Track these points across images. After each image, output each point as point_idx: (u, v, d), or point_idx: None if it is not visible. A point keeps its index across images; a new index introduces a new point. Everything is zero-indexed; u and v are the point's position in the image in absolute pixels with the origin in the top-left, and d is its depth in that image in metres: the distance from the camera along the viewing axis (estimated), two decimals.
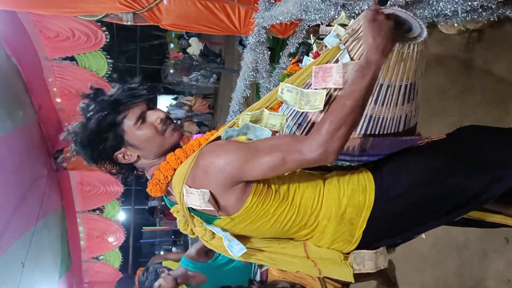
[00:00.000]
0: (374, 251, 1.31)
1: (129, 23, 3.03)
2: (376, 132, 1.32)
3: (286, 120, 1.36)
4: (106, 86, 5.26)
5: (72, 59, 4.91)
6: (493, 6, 2.05)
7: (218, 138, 1.32)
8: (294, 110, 1.35)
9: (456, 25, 2.54)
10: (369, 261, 1.30)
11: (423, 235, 1.46)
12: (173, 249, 19.63)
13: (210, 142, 1.28)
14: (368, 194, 1.28)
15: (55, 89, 5.20)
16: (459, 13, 2.16)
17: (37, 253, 5.06)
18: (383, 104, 1.28)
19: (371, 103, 1.26)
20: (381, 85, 1.24)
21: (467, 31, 2.65)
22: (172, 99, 15.51)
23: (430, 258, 2.84)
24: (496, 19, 2.24)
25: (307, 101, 1.26)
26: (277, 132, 1.37)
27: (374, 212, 1.27)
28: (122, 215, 11.13)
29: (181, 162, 1.29)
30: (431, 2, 2.07)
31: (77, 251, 6.99)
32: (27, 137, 5.08)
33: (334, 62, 1.25)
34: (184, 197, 1.24)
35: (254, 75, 3.27)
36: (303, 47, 3.25)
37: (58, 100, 5.37)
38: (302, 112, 1.34)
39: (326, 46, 1.37)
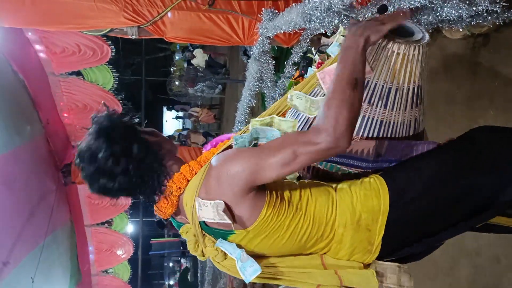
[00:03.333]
0: (397, 264, 1.26)
1: (134, 37, 3.05)
2: (387, 137, 1.33)
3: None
4: (112, 100, 5.31)
5: (78, 73, 4.95)
6: (498, 10, 2.04)
7: (230, 147, 1.30)
8: (302, 116, 1.36)
9: (461, 30, 2.53)
10: (392, 274, 1.26)
11: None
12: (182, 260, 19.63)
13: (220, 152, 1.26)
14: (382, 199, 1.24)
15: (62, 103, 5.24)
16: (464, 18, 2.15)
17: (46, 268, 5.07)
18: (393, 108, 1.29)
19: (381, 107, 1.27)
20: (390, 88, 1.26)
21: (472, 36, 2.64)
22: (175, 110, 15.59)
23: (442, 265, 2.81)
24: (501, 23, 2.23)
25: (317, 107, 1.27)
26: None
27: (391, 217, 1.23)
28: (130, 228, 11.14)
29: (195, 173, 1.26)
30: (435, 8, 2.07)
31: (86, 265, 6.99)
32: (35, 152, 5.12)
33: None
34: (196, 211, 1.21)
35: (259, 84, 3.28)
36: (303, 61, 3.27)
37: (65, 114, 5.41)
38: (309, 118, 1.35)
39: (329, 56, 1.39)
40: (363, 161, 1.36)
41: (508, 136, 1.32)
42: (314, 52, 1.80)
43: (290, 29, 2.71)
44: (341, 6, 1.91)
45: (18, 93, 4.66)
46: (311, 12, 2.24)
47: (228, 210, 1.18)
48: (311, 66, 1.73)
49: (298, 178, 1.53)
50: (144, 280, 11.05)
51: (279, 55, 4.71)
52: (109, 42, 4.43)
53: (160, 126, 17.37)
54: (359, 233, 1.24)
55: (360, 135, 1.34)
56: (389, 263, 1.27)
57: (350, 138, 1.08)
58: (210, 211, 1.18)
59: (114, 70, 5.06)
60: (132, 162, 1.21)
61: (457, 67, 2.83)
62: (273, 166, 1.12)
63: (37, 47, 4.42)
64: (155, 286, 22.82)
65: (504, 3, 1.97)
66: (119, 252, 7.23)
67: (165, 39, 3.13)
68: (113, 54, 4.55)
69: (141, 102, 11.89)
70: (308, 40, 3.10)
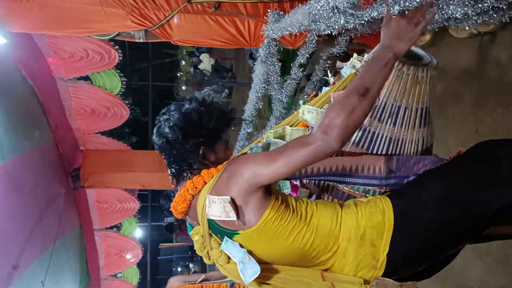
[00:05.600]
0: (400, 283, 1.25)
1: (141, 40, 3.07)
2: (396, 153, 1.38)
3: None
4: (120, 105, 5.34)
5: (86, 78, 4.99)
6: (504, 8, 2.03)
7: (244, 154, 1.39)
8: None
9: (467, 28, 2.52)
10: None
11: None
12: (190, 265, 19.62)
13: (236, 157, 1.33)
14: (387, 215, 1.26)
15: (70, 108, 5.28)
16: (470, 16, 2.14)
17: (56, 272, 5.09)
18: (402, 126, 1.35)
19: (390, 124, 1.34)
20: (399, 107, 1.32)
21: (479, 34, 2.63)
22: None
23: (453, 267, 2.78)
24: (508, 21, 2.22)
25: None
26: None
27: (396, 233, 1.25)
28: (139, 232, 11.17)
29: (211, 177, 1.32)
30: (441, 6, 2.06)
31: (95, 269, 7.02)
32: (44, 156, 5.15)
33: None
34: (206, 208, 1.26)
35: (266, 87, 3.29)
36: (320, 82, 3.30)
37: (74, 119, 5.45)
38: None
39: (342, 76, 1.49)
40: (376, 179, 1.39)
41: None
42: (330, 75, 1.85)
43: (296, 31, 2.71)
44: (346, 5, 1.91)
45: (27, 99, 4.71)
46: (316, 12, 2.24)
47: (234, 206, 1.22)
48: (326, 86, 1.77)
49: (310, 196, 1.57)
50: (153, 285, 11.06)
51: (285, 57, 4.71)
52: (116, 47, 4.46)
53: None
54: (363, 248, 1.26)
55: (370, 150, 1.39)
56: (390, 280, 1.25)
57: (343, 141, 1.12)
58: (217, 207, 1.23)
59: (122, 75, 5.09)
60: (192, 144, 1.35)
61: (464, 66, 2.82)
62: (273, 166, 1.19)
63: (46, 52, 4.46)
64: None
65: (511, 0, 1.96)
66: (128, 256, 7.25)
67: (172, 42, 3.15)
68: (121, 58, 4.58)
69: (148, 107, 11.95)
70: (314, 42, 3.10)
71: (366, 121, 1.38)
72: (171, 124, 1.35)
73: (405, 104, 1.33)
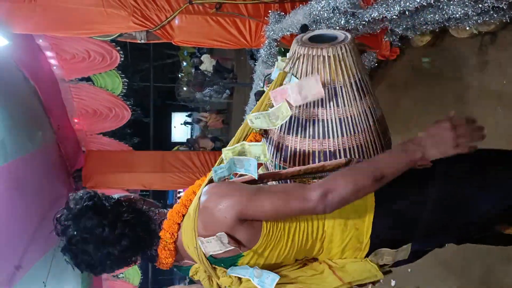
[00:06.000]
0: (396, 249, 1.29)
1: (142, 41, 3.09)
2: (352, 130, 1.43)
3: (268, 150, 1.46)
4: (122, 105, 5.36)
5: (88, 79, 5.01)
6: (504, 7, 2.04)
7: (211, 181, 1.34)
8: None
9: (468, 28, 2.53)
10: (388, 256, 1.29)
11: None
12: None
13: (205, 186, 1.29)
14: (368, 198, 1.29)
15: (72, 109, 5.30)
16: (470, 16, 2.15)
17: (58, 273, 5.11)
18: (345, 104, 1.40)
19: (334, 107, 1.40)
20: (335, 88, 1.38)
21: (480, 34, 2.64)
22: (186, 116, 15.67)
23: (454, 266, 2.79)
24: (508, 21, 2.23)
25: (276, 117, 1.38)
26: (262, 164, 1.45)
27: (377, 214, 1.29)
28: None
29: (183, 216, 1.32)
30: (441, 6, 2.08)
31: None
32: (47, 157, 5.18)
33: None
34: (201, 249, 1.25)
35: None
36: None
37: (76, 120, 5.47)
38: (282, 144, 1.48)
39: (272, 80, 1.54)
40: None
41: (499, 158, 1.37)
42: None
43: (296, 31, 2.72)
44: (347, 6, 1.93)
45: (29, 100, 4.73)
46: (317, 13, 2.26)
47: (231, 237, 1.22)
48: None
49: None
50: (154, 286, 11.06)
51: None
52: (118, 48, 4.48)
53: (168, 132, 17.44)
54: (347, 232, 1.29)
55: (326, 137, 1.42)
56: (387, 249, 1.29)
57: (336, 209, 1.16)
58: (215, 245, 1.23)
59: (123, 76, 5.11)
60: (125, 224, 1.26)
61: (465, 66, 2.83)
62: (265, 207, 1.19)
63: (48, 53, 4.48)
64: None
65: (511, 0, 1.97)
66: None
67: (173, 43, 3.16)
68: (122, 59, 4.60)
69: (149, 108, 11.97)
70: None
71: (311, 113, 1.42)
72: (105, 228, 1.23)
73: (338, 83, 1.38)
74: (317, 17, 2.24)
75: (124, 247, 1.25)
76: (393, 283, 3.40)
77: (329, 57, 1.35)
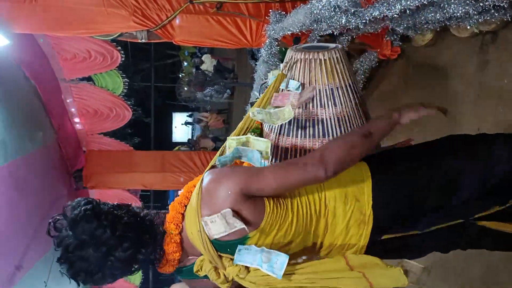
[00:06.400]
0: (424, 266, 1.34)
1: (143, 40, 3.09)
2: (349, 129, 1.55)
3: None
4: (123, 105, 5.36)
5: (89, 79, 5.01)
6: (505, 6, 2.04)
7: (213, 167, 1.37)
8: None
9: (468, 27, 2.53)
10: (415, 273, 1.33)
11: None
12: None
13: (207, 172, 1.31)
14: (364, 171, 1.37)
15: (73, 109, 5.30)
16: (471, 14, 2.15)
17: (59, 272, 5.10)
18: (342, 104, 1.52)
19: (332, 106, 1.50)
20: (332, 89, 1.50)
21: (480, 33, 2.63)
22: (187, 116, 15.69)
23: (454, 266, 2.78)
24: (509, 20, 2.22)
25: (278, 117, 1.48)
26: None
27: (375, 185, 1.35)
28: None
29: (185, 206, 1.33)
30: (442, 5, 2.07)
31: None
32: (47, 157, 5.18)
33: (281, 87, 1.57)
34: (206, 232, 1.24)
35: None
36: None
37: (77, 120, 5.47)
38: (282, 146, 1.57)
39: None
40: None
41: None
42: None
43: (297, 30, 2.72)
44: (348, 4, 1.93)
45: (30, 99, 4.74)
46: (318, 12, 2.25)
47: (237, 216, 1.22)
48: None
49: None
50: (155, 285, 11.07)
51: None
52: (119, 48, 4.48)
53: (169, 132, 17.44)
54: (349, 205, 1.33)
55: (327, 136, 1.51)
56: (415, 264, 1.34)
57: (335, 171, 1.22)
58: (219, 225, 1.21)
59: (124, 75, 5.11)
60: (126, 226, 1.25)
61: (466, 65, 2.82)
62: (267, 180, 1.23)
63: (49, 53, 4.48)
64: None
65: None
66: None
67: (174, 42, 3.16)
68: (123, 59, 4.60)
69: (150, 108, 11.98)
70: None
71: (310, 113, 1.51)
72: (105, 231, 1.21)
73: (335, 84, 1.50)
74: (318, 16, 2.24)
75: (126, 249, 1.22)
76: None
77: (324, 60, 1.47)
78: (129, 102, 5.44)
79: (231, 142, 1.42)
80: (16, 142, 4.33)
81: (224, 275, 1.28)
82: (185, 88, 10.51)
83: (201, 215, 1.23)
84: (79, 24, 2.99)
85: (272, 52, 3.10)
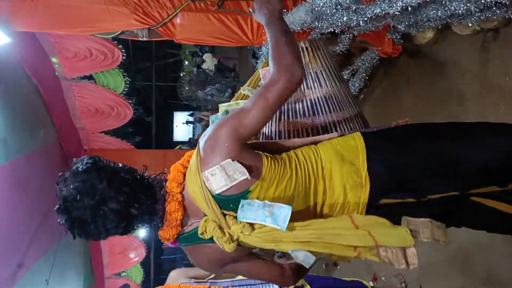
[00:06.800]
0: (429, 219, 1.27)
1: (144, 38, 3.08)
2: (338, 107, 1.68)
3: None
4: (124, 104, 5.35)
5: (90, 77, 5.01)
6: (507, 3, 2.03)
7: None
8: None
9: (470, 25, 2.52)
10: (425, 229, 1.26)
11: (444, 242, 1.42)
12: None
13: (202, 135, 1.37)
14: (358, 141, 1.41)
15: (74, 108, 5.30)
16: (473, 12, 2.14)
17: (60, 270, 5.12)
18: (327, 85, 1.70)
19: (318, 87, 1.68)
20: (316, 72, 1.69)
21: (482, 31, 2.63)
22: (188, 115, 15.69)
23: (456, 263, 2.78)
24: (511, 17, 2.21)
25: None
26: None
27: (369, 152, 1.39)
28: (142, 232, 11.16)
29: (185, 167, 1.37)
30: (443, 2, 2.07)
31: (99, 267, 7.03)
32: (49, 155, 5.18)
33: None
34: (207, 188, 1.27)
35: None
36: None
37: (78, 118, 5.47)
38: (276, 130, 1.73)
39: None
40: None
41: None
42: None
43: (298, 28, 2.71)
44: (349, 1, 1.92)
45: (31, 98, 4.74)
46: (319, 9, 2.25)
47: (238, 163, 1.26)
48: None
49: None
50: (157, 284, 11.08)
51: None
52: (120, 46, 4.47)
53: (170, 131, 17.45)
54: (345, 167, 1.37)
55: (317, 114, 1.64)
56: (420, 218, 1.27)
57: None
58: (220, 178, 1.25)
59: (125, 74, 5.11)
60: (125, 180, 1.29)
61: (467, 63, 2.82)
62: (253, 113, 1.28)
63: (50, 52, 4.48)
64: None
65: None
66: (131, 255, 7.26)
67: (175, 40, 3.15)
68: (124, 58, 4.60)
69: (151, 107, 11.98)
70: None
71: (300, 94, 1.63)
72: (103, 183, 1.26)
73: (318, 68, 1.68)
74: (319, 14, 2.23)
75: (120, 201, 1.25)
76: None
77: (306, 47, 1.69)
78: (130, 101, 5.43)
79: (222, 107, 1.54)
80: (18, 140, 4.33)
81: (230, 234, 1.28)
82: (186, 87, 10.50)
83: (201, 170, 1.27)
84: (80, 22, 2.98)
85: None
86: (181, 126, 17.11)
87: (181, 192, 1.34)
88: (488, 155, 1.39)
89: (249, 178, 1.25)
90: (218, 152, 1.27)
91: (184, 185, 1.35)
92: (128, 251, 7.23)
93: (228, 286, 2.17)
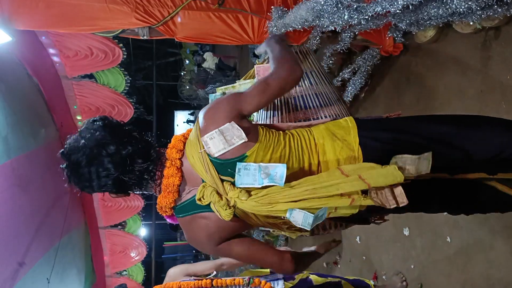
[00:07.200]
0: (418, 156, 1.31)
1: (145, 37, 3.07)
2: (328, 102, 1.80)
3: None
4: (125, 103, 5.36)
5: (91, 76, 5.01)
6: (508, 1, 2.03)
7: None
8: None
9: (471, 23, 2.52)
10: (411, 165, 1.31)
11: (448, 238, 1.46)
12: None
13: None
14: (350, 121, 1.49)
15: (75, 106, 5.31)
16: (474, 10, 2.14)
17: (61, 269, 5.13)
18: (317, 83, 1.83)
19: (308, 84, 1.81)
20: (306, 73, 1.82)
21: (483, 29, 2.62)
22: (189, 114, 15.70)
23: (457, 262, 2.78)
24: None
25: None
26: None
27: (360, 130, 1.45)
28: (143, 231, 11.18)
29: (186, 138, 1.45)
30: (445, 0, 2.07)
31: (100, 266, 7.05)
32: (50, 154, 5.18)
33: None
34: (205, 152, 1.33)
35: None
36: None
37: (79, 117, 5.48)
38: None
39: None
40: None
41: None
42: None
43: (299, 27, 2.71)
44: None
45: (32, 96, 4.74)
46: (320, 8, 2.25)
47: (237, 126, 1.34)
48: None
49: None
50: (158, 283, 11.08)
51: None
52: (121, 45, 4.48)
53: (171, 130, 17.45)
54: (337, 142, 1.42)
55: (308, 108, 1.75)
56: (408, 155, 1.33)
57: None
58: (218, 141, 1.32)
59: (126, 73, 5.11)
60: (129, 135, 1.38)
61: (468, 61, 2.81)
62: (253, 93, 1.40)
63: (51, 50, 4.49)
64: None
65: None
66: (132, 254, 7.28)
67: (175, 39, 3.15)
68: (125, 57, 4.60)
69: (152, 106, 11.98)
70: (318, 38, 3.10)
71: (293, 91, 1.77)
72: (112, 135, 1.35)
73: (308, 69, 1.85)
74: (321, 12, 2.23)
75: (119, 153, 1.30)
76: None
77: (296, 52, 1.84)
78: (131, 100, 5.44)
79: (219, 90, 1.76)
80: (19, 139, 4.34)
81: (227, 199, 1.31)
82: (187, 86, 10.52)
83: (201, 135, 1.35)
84: (81, 21, 2.98)
85: None
86: (182, 125, 17.14)
87: (180, 159, 1.39)
88: (480, 145, 1.43)
89: (247, 141, 1.32)
90: (217, 118, 1.35)
91: (183, 153, 1.40)
92: (129, 250, 7.25)
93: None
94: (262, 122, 1.83)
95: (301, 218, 1.25)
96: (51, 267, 4.80)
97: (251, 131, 1.36)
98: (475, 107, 2.71)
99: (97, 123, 1.35)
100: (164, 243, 16.73)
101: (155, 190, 1.42)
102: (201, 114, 1.41)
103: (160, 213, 1.45)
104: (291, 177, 1.32)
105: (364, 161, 1.38)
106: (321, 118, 1.75)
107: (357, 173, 1.29)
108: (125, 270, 7.60)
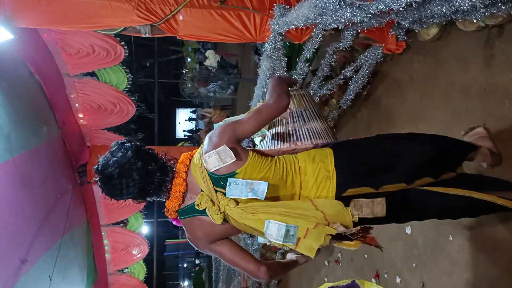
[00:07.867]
0: (371, 199, 1.65)
1: (147, 35, 3.07)
2: (317, 136, 1.97)
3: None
4: (127, 101, 5.36)
5: (92, 74, 5.02)
6: None
7: None
8: None
9: (475, 21, 2.51)
10: (366, 208, 1.65)
11: (450, 237, 1.53)
12: (196, 261, 19.70)
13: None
14: (327, 150, 1.81)
15: (77, 104, 5.32)
16: (478, 8, 2.13)
17: (64, 267, 5.15)
18: (310, 120, 2.01)
19: (302, 121, 2.00)
20: (301, 111, 2.01)
21: (487, 27, 2.61)
22: (190, 112, 15.71)
23: (459, 261, 2.78)
24: None
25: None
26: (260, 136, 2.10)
27: (336, 155, 1.77)
28: (145, 229, 11.22)
29: (192, 156, 1.77)
30: None
31: (102, 264, 7.07)
32: (52, 152, 5.20)
33: None
34: (204, 168, 1.66)
35: None
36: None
37: (81, 115, 5.49)
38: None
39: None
40: None
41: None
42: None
43: (302, 25, 2.70)
44: None
45: (35, 95, 4.75)
46: (323, 5, 2.24)
47: (230, 149, 1.63)
48: None
49: None
50: (159, 281, 11.12)
51: (291, 54, 4.70)
52: (122, 43, 4.48)
53: (173, 128, 17.47)
54: (316, 164, 1.74)
55: (303, 140, 1.95)
56: (364, 199, 1.66)
57: (288, 97, 1.76)
58: (214, 160, 1.63)
59: (128, 71, 5.11)
60: (151, 162, 1.71)
61: (472, 59, 2.80)
62: (249, 121, 1.71)
63: (53, 48, 4.49)
64: (170, 287, 22.90)
65: None
66: (134, 252, 7.30)
67: (177, 37, 3.14)
68: (127, 54, 4.60)
69: (154, 104, 12.00)
70: (320, 36, 3.09)
71: (290, 127, 2.00)
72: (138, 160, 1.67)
73: (303, 108, 2.02)
74: (323, 10, 2.23)
75: (146, 170, 1.65)
76: (398, 280, 3.39)
77: (294, 95, 2.01)
78: (133, 98, 5.45)
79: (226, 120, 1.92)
80: (21, 137, 4.35)
81: (219, 206, 1.65)
82: (189, 84, 10.50)
83: (202, 154, 1.67)
84: (82, 18, 2.97)
85: (276, 47, 3.08)
86: (184, 123, 17.16)
87: (186, 172, 1.73)
88: (419, 152, 1.80)
89: (236, 161, 1.63)
90: (215, 141, 1.67)
91: (189, 167, 1.74)
92: (131, 247, 7.27)
93: None
94: (261, 149, 2.11)
95: (275, 231, 1.56)
96: (53, 265, 4.82)
97: (242, 154, 1.67)
98: (478, 106, 2.70)
99: (127, 144, 1.68)
100: (166, 240, 16.79)
101: (165, 196, 1.73)
102: (206, 138, 1.73)
103: (166, 215, 1.79)
104: (273, 192, 1.67)
105: (336, 181, 1.71)
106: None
107: (323, 209, 1.62)
108: (127, 268, 7.62)
